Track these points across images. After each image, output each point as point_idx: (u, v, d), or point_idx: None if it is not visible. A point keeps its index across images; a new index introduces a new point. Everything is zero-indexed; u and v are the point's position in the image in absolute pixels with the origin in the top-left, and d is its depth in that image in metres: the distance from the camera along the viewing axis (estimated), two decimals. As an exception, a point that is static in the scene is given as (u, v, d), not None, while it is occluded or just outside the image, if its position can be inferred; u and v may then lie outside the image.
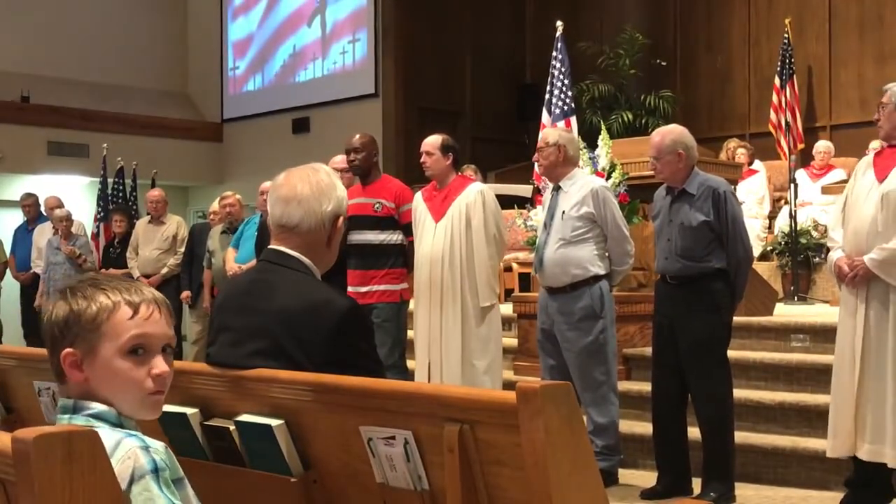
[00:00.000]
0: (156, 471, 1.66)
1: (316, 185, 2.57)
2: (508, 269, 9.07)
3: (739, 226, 5.03)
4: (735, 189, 8.18)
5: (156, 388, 1.80)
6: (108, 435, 1.67)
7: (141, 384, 1.79)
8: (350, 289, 6.07)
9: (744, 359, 6.16)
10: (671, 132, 5.15)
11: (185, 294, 9.10)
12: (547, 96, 8.24)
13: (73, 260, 9.76)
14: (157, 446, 1.73)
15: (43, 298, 9.90)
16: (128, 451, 1.67)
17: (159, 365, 1.80)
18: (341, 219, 2.61)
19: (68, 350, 1.78)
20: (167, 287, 9.36)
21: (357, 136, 6.28)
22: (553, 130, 6.13)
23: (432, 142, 5.97)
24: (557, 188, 5.55)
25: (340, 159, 6.60)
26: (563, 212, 5.43)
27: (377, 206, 6.13)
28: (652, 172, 5.34)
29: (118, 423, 1.77)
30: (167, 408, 2.51)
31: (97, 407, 1.77)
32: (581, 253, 5.39)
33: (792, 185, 8.62)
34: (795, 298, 8.30)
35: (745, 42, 12.76)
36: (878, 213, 4.52)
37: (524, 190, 9.46)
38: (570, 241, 5.39)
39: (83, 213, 12.50)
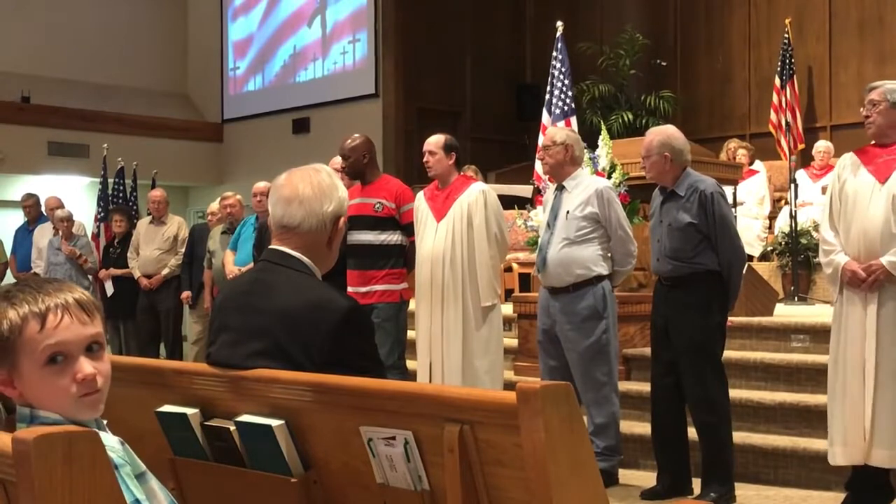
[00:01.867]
0: (115, 468, 1.66)
1: (318, 186, 2.57)
2: (509, 269, 9.07)
3: (728, 226, 5.02)
4: (735, 189, 8.20)
5: (82, 392, 1.77)
6: None
7: (66, 391, 1.76)
8: (350, 289, 6.06)
9: (744, 359, 6.16)
10: (660, 133, 5.17)
11: (185, 294, 9.10)
12: (547, 96, 8.25)
13: (73, 260, 9.76)
14: (113, 444, 1.73)
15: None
16: None
17: (83, 369, 1.77)
18: (342, 219, 2.61)
19: None
20: (168, 288, 9.38)
21: (348, 141, 6.27)
22: (560, 129, 6.13)
23: (435, 141, 5.97)
24: (561, 188, 5.55)
25: (340, 160, 6.60)
26: (568, 211, 5.43)
27: (377, 206, 6.13)
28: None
29: None
30: (167, 408, 2.52)
31: (50, 416, 1.77)
32: (585, 253, 5.39)
33: (792, 186, 8.61)
34: (795, 299, 8.30)
35: (745, 42, 12.77)
36: (891, 215, 4.49)
37: (524, 190, 9.46)
38: (574, 240, 5.40)
39: (84, 213, 12.50)
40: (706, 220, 4.96)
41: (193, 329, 9.17)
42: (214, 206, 9.36)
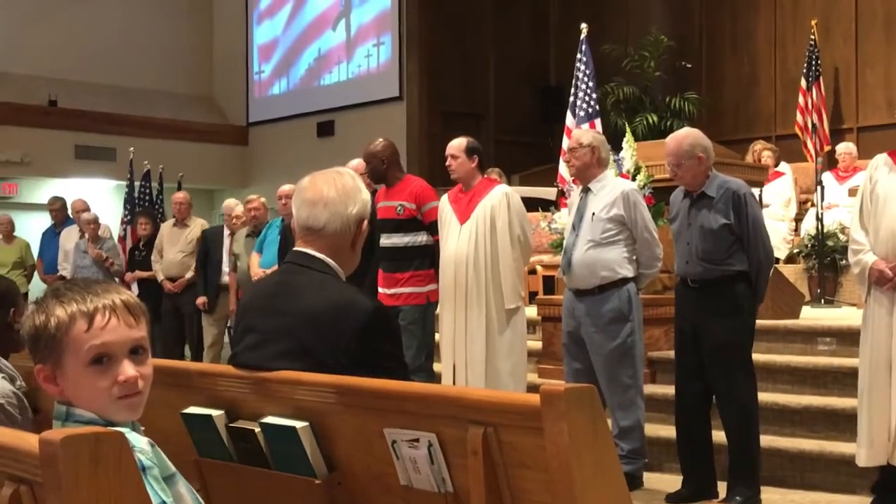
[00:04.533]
0: (143, 470, 1.68)
1: (342, 188, 2.58)
2: (533, 271, 9.05)
3: (760, 228, 4.99)
4: (760, 191, 8.15)
5: (122, 394, 1.79)
6: None
7: (107, 392, 1.78)
8: (380, 290, 6.09)
9: (770, 362, 6.12)
10: (687, 136, 5.11)
11: (201, 300, 9.04)
12: (571, 98, 8.23)
13: (100, 263, 9.82)
14: (143, 446, 1.74)
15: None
16: None
17: (125, 371, 1.79)
18: (365, 222, 2.62)
19: (39, 367, 1.80)
20: (192, 290, 9.38)
21: (370, 146, 6.30)
22: (587, 132, 6.12)
23: (457, 145, 5.98)
24: (586, 190, 5.53)
25: (355, 163, 6.61)
26: (593, 213, 5.41)
27: (399, 208, 6.14)
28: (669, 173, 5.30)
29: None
30: (193, 409, 2.53)
31: (86, 415, 1.78)
32: (610, 255, 5.37)
33: (818, 188, 8.56)
34: (822, 301, 8.25)
35: (770, 44, 12.70)
36: None
37: (548, 193, 9.43)
38: (599, 242, 5.38)
39: (110, 216, 12.59)
40: (739, 222, 4.92)
41: (209, 333, 9.14)
42: (238, 209, 9.37)
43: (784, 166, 10.29)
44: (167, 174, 12.87)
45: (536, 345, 7.06)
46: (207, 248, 9.11)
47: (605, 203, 5.40)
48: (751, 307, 5.01)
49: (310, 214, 2.58)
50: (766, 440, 5.33)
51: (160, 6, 15.50)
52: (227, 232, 9.10)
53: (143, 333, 1.83)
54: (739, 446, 4.97)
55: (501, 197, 5.87)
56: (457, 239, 5.89)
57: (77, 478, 1.45)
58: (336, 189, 2.58)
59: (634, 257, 5.45)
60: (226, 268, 8.91)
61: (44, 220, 12.04)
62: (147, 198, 12.38)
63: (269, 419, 2.36)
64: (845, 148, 10.02)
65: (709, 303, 4.98)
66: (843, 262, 8.38)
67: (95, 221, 9.97)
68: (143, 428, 1.86)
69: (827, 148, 10.82)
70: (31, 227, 12.79)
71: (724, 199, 4.95)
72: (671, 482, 5.39)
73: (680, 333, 5.17)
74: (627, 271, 5.40)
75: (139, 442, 1.74)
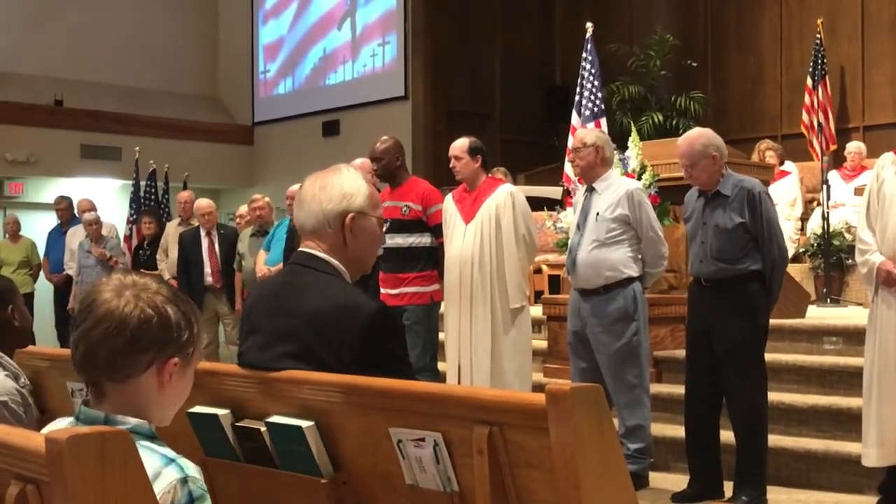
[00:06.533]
0: (192, 501, 1.68)
1: (321, 186, 2.55)
2: (538, 271, 9.04)
3: (774, 227, 4.97)
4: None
5: None
6: (148, 461, 1.62)
7: None
8: (382, 291, 6.09)
9: (776, 361, 6.11)
10: (700, 136, 5.08)
11: None
12: (577, 98, 8.23)
13: (104, 262, 9.83)
14: (194, 474, 1.72)
15: (76, 301, 9.96)
16: (168, 484, 1.67)
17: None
18: (349, 216, 2.54)
19: (174, 360, 1.82)
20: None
21: (378, 144, 6.28)
22: (590, 131, 6.11)
23: (460, 145, 5.97)
24: (591, 189, 5.52)
25: (359, 163, 6.59)
26: (598, 213, 5.41)
27: (405, 209, 6.14)
28: (682, 174, 5.28)
29: (151, 435, 1.77)
30: (199, 408, 2.53)
31: (131, 421, 1.77)
32: (615, 255, 5.37)
33: (825, 187, 8.54)
34: (828, 301, 8.23)
35: (776, 42, 12.69)
36: None
37: (553, 192, 9.44)
38: (604, 242, 5.37)
39: (116, 215, 12.61)
40: (754, 221, 4.91)
41: (203, 337, 9.11)
42: (243, 209, 9.37)
43: (790, 165, 10.27)
44: (173, 174, 12.89)
45: (542, 344, 7.05)
46: (186, 252, 9.06)
47: (609, 203, 5.39)
48: (764, 307, 4.99)
49: (297, 214, 2.60)
50: (772, 440, 5.32)
51: (166, 6, 15.52)
52: (203, 232, 9.08)
53: None
54: (748, 447, 4.96)
55: (506, 196, 5.87)
56: (462, 239, 5.89)
57: (83, 477, 1.45)
58: (315, 187, 2.55)
59: (639, 256, 5.44)
60: (207, 269, 8.91)
61: (50, 220, 12.07)
62: (153, 197, 12.40)
63: (275, 418, 2.36)
64: (856, 147, 9.99)
65: (723, 303, 4.96)
66: (850, 261, 8.36)
67: (97, 222, 9.98)
68: None
69: (833, 147, 10.81)
70: (37, 227, 12.81)
71: (738, 198, 4.93)
72: (677, 482, 5.39)
73: (692, 333, 5.15)
74: (632, 271, 5.39)
75: (189, 469, 1.72)
